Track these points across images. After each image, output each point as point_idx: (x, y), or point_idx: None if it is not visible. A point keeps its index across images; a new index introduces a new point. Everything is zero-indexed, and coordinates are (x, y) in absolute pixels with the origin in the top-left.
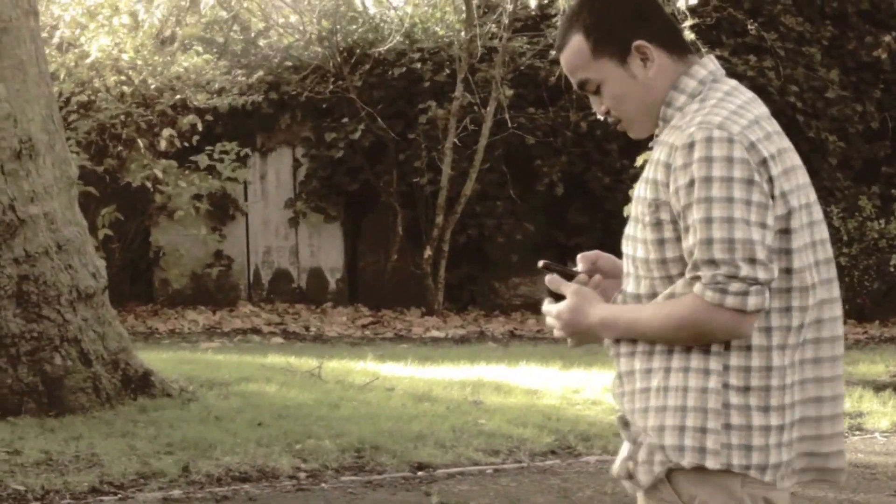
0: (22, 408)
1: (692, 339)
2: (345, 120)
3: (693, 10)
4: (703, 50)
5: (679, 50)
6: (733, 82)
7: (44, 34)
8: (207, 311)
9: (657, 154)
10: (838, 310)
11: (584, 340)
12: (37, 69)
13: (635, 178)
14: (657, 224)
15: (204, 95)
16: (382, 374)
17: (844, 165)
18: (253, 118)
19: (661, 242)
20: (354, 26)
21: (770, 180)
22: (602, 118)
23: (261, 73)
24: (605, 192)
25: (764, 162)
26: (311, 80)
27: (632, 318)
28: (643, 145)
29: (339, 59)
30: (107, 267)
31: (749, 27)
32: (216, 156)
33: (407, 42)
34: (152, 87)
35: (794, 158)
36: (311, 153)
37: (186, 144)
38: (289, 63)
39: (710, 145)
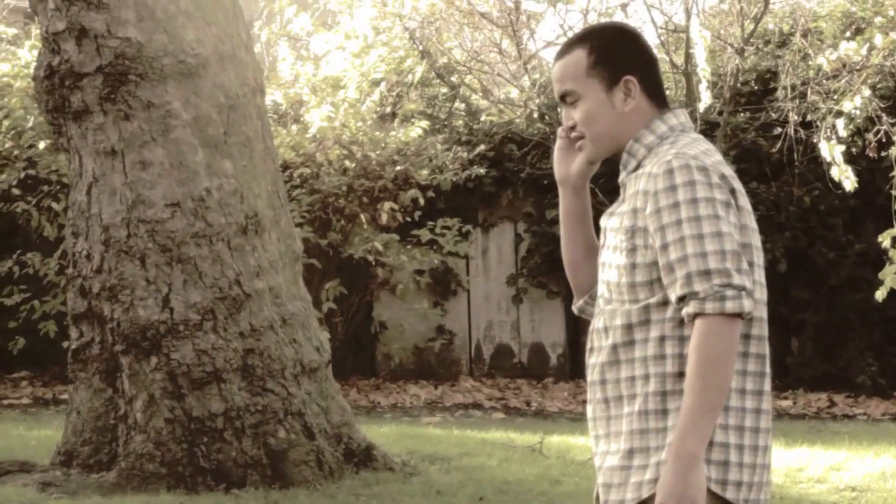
0: (246, 480)
1: (720, 362)
2: None
3: None
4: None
5: (659, 100)
6: (699, 135)
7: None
8: (429, 386)
9: (634, 187)
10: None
11: (696, 476)
12: (263, 145)
13: (861, 253)
14: (632, 249)
15: (427, 171)
16: None
17: None
18: (475, 194)
19: (633, 267)
20: None
21: (738, 209)
22: (564, 131)
23: (482, 147)
24: (829, 268)
25: (734, 192)
26: (533, 155)
27: (687, 412)
28: (872, 222)
29: None
30: (330, 341)
31: None
32: (437, 230)
33: None
34: (374, 161)
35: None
36: (533, 229)
37: (409, 219)
38: (510, 139)
39: (690, 171)
